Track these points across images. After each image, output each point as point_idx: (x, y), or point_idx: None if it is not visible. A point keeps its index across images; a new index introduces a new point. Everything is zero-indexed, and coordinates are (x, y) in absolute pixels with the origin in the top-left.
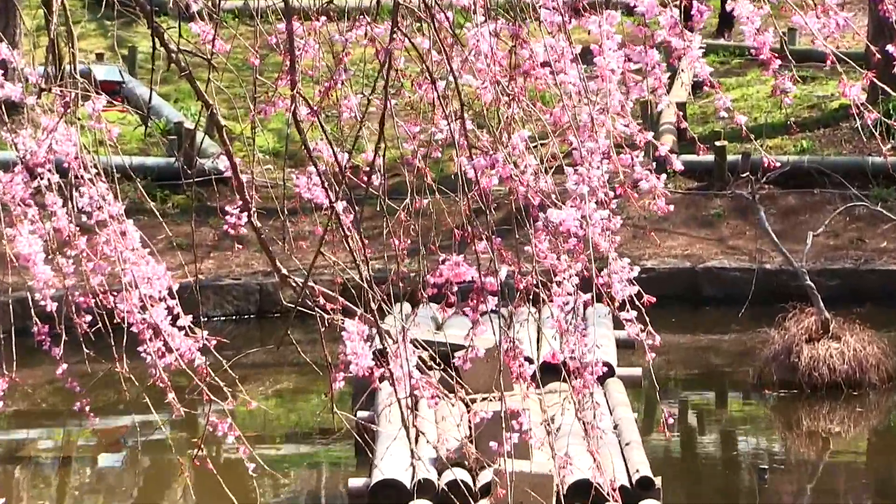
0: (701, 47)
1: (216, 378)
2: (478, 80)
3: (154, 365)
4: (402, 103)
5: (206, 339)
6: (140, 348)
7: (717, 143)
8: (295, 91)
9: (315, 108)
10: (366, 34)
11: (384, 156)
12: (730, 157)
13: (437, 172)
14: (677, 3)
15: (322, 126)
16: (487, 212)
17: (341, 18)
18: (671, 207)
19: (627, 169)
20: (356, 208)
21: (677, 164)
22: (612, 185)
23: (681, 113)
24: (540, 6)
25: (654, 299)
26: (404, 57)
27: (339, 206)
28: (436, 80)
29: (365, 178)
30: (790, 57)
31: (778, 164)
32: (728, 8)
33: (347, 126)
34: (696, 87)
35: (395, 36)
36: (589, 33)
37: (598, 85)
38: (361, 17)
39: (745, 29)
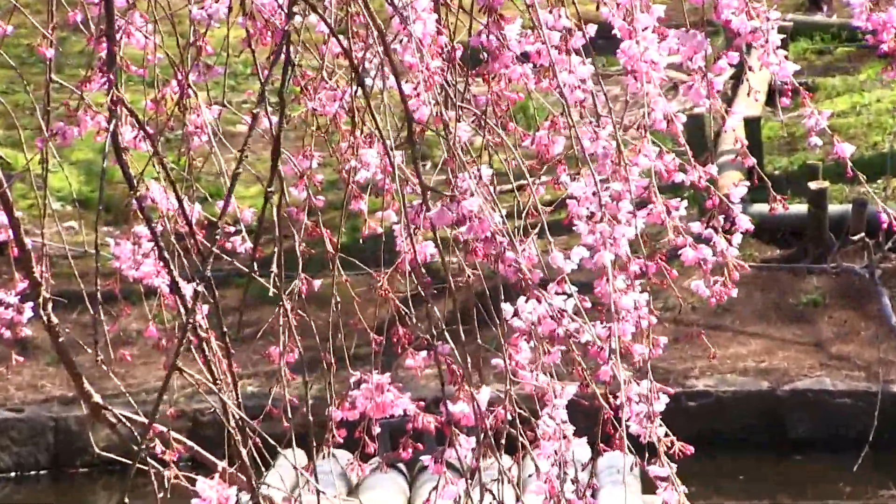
0: (782, 29)
1: None
2: (407, 80)
3: None
4: (294, 117)
5: None
6: None
7: (812, 186)
8: (112, 97)
9: (150, 128)
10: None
11: (278, 208)
12: (832, 208)
13: (349, 235)
14: None
15: (159, 156)
16: (426, 301)
17: None
18: (736, 291)
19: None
20: (215, 293)
21: (745, 219)
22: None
23: (747, 140)
24: None
25: (690, 449)
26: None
27: (188, 289)
28: (363, 81)
29: (231, 243)
30: None
31: None
32: None
33: (200, 156)
34: (775, 94)
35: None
36: (598, 6)
37: (631, 88)
38: None
39: (853, 1)
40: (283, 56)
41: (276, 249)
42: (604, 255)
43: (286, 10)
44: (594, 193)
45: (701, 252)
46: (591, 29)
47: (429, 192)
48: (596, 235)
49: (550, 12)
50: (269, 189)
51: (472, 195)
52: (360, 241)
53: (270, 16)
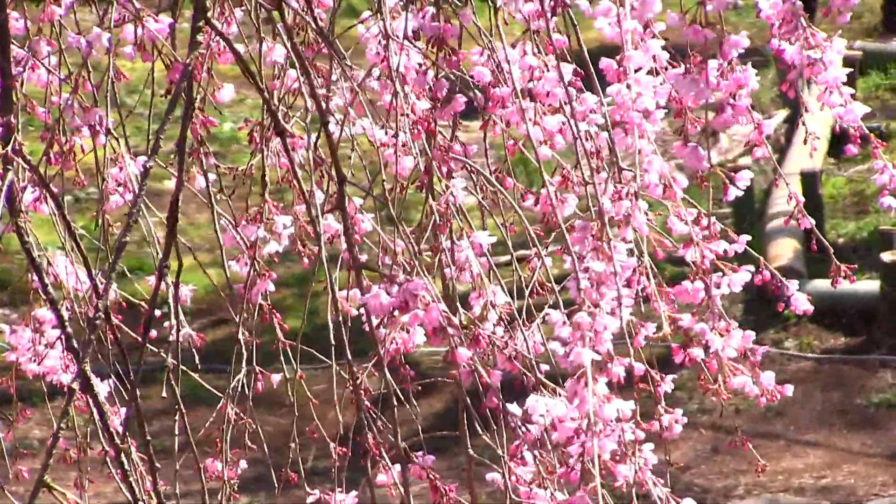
0: (848, 61)
1: None
2: (380, 124)
3: None
4: (241, 170)
5: None
6: None
7: (885, 257)
8: (9, 148)
9: (54, 186)
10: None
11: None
12: None
13: (309, 321)
14: None
15: (67, 221)
16: (403, 400)
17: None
18: (790, 389)
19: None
20: (136, 393)
21: (802, 300)
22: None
23: (795, 192)
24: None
25: None
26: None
27: (103, 388)
28: (327, 122)
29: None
30: None
31: None
32: None
33: (117, 220)
34: (840, 142)
35: (199, 34)
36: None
37: (619, 141)
38: None
39: None
40: (182, 96)
41: (214, 338)
42: (582, 354)
43: (190, 39)
44: (581, 270)
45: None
46: (567, 68)
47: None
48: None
49: (514, 46)
50: (162, 264)
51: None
52: (330, 322)
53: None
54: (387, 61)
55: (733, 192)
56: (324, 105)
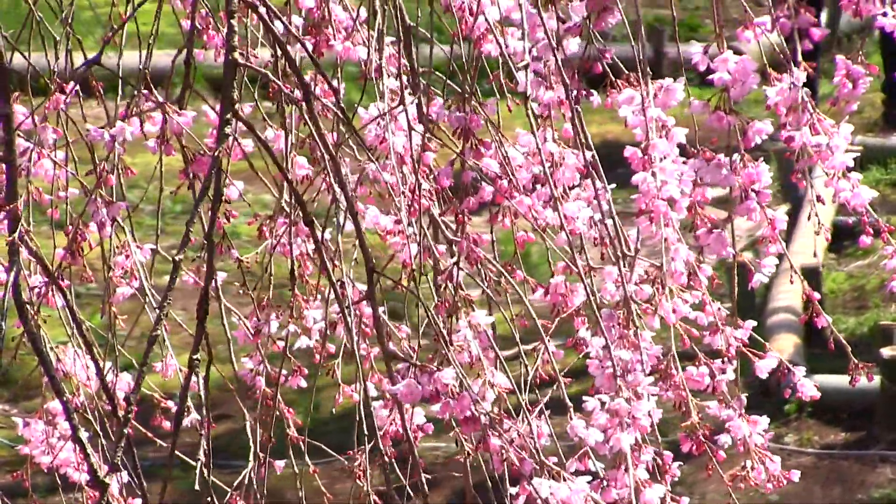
0: (852, 153)
1: None
2: (388, 211)
3: None
4: (247, 259)
5: None
6: None
7: (885, 353)
8: (15, 240)
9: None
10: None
11: (206, 375)
12: None
13: (305, 415)
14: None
15: (74, 314)
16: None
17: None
18: (797, 475)
19: (702, 403)
20: (144, 487)
21: (809, 385)
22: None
23: (810, 290)
24: (519, 68)
25: None
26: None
27: (113, 482)
28: (312, 221)
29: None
30: None
31: None
32: None
33: (124, 314)
34: (842, 233)
35: (227, 126)
36: (626, 124)
37: (643, 230)
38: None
39: None
40: (212, 188)
41: (216, 434)
42: (622, 439)
43: (217, 130)
44: (605, 360)
45: (743, 430)
46: (587, 155)
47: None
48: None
49: (534, 133)
50: (193, 357)
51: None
52: (332, 411)
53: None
54: (385, 143)
55: (758, 279)
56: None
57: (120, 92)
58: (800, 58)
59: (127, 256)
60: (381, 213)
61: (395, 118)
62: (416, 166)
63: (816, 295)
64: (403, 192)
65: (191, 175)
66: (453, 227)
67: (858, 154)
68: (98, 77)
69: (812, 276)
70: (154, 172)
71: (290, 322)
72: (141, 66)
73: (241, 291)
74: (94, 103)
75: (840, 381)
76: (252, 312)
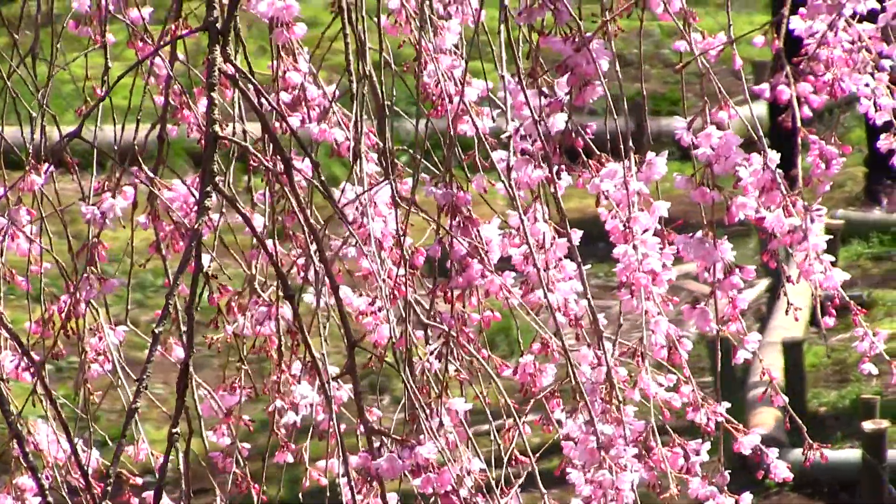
0: (830, 229)
1: None
2: (361, 293)
3: None
4: (217, 340)
5: None
6: None
7: (866, 427)
8: None
9: (35, 354)
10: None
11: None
12: (892, 454)
13: (288, 487)
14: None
15: (47, 389)
16: None
17: None
18: None
19: (682, 474)
20: None
21: (781, 467)
22: None
23: (788, 368)
24: (502, 140)
25: None
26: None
27: None
28: (292, 295)
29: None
30: None
31: None
32: (884, 145)
33: (99, 389)
34: (821, 311)
35: (207, 199)
36: (599, 200)
37: (624, 303)
38: None
39: None
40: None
41: None
42: None
43: (198, 204)
44: (589, 433)
45: None
46: (576, 235)
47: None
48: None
49: (526, 213)
50: (173, 431)
51: (430, 438)
52: (300, 495)
53: (183, 215)
54: (363, 229)
55: (742, 355)
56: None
57: (95, 167)
58: (799, 124)
59: (100, 338)
60: (355, 293)
61: (374, 202)
62: (403, 257)
63: (775, 376)
64: (384, 280)
65: (162, 248)
66: (435, 306)
67: (840, 227)
68: (75, 152)
69: (794, 350)
70: (125, 247)
71: (276, 397)
72: (135, 143)
73: (231, 365)
74: (70, 178)
75: (821, 457)
76: (219, 386)
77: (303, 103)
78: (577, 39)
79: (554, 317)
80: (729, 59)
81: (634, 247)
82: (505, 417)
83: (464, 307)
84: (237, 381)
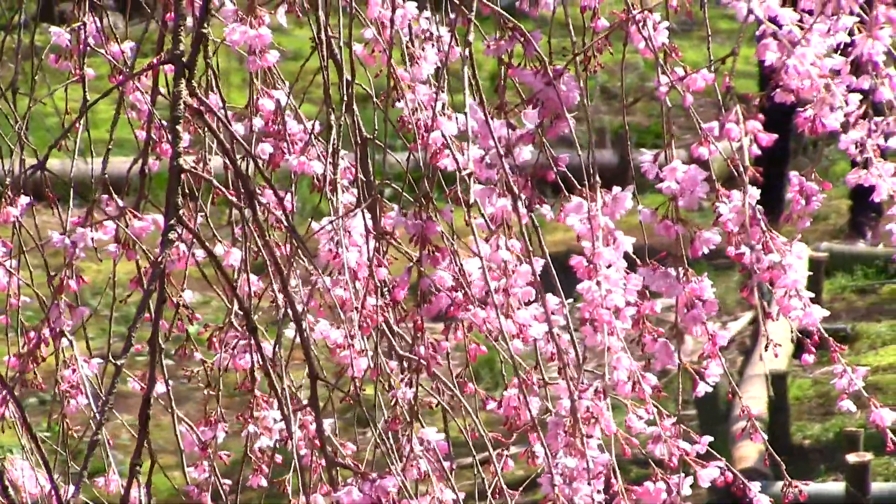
0: (813, 263)
1: None
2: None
3: None
4: (198, 373)
5: None
6: None
7: (850, 459)
8: None
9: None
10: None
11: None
12: (876, 487)
13: None
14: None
15: (27, 423)
16: None
17: None
18: None
19: None
20: None
21: (764, 501)
22: None
23: (773, 400)
24: (463, 175)
25: None
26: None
27: None
28: (255, 328)
29: None
30: None
31: None
32: (852, 180)
33: (79, 423)
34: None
35: (171, 232)
36: (578, 238)
37: (589, 338)
38: None
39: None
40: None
41: None
42: None
43: (162, 238)
44: (553, 467)
45: None
46: (538, 263)
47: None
48: None
49: (487, 241)
50: (134, 463)
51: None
52: None
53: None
54: (339, 259)
55: (702, 388)
56: (296, 305)
57: (71, 200)
58: (748, 165)
59: (73, 371)
60: (332, 326)
61: (349, 233)
62: (375, 284)
63: (753, 411)
64: (356, 308)
65: (144, 282)
66: (408, 338)
67: (825, 260)
68: (58, 185)
69: (778, 382)
70: (108, 280)
71: (249, 422)
72: (102, 172)
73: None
74: (50, 211)
75: (807, 489)
76: (200, 422)
77: (284, 136)
78: (547, 72)
79: (508, 345)
80: (713, 92)
81: (598, 283)
82: (493, 450)
83: (447, 339)
84: (214, 416)
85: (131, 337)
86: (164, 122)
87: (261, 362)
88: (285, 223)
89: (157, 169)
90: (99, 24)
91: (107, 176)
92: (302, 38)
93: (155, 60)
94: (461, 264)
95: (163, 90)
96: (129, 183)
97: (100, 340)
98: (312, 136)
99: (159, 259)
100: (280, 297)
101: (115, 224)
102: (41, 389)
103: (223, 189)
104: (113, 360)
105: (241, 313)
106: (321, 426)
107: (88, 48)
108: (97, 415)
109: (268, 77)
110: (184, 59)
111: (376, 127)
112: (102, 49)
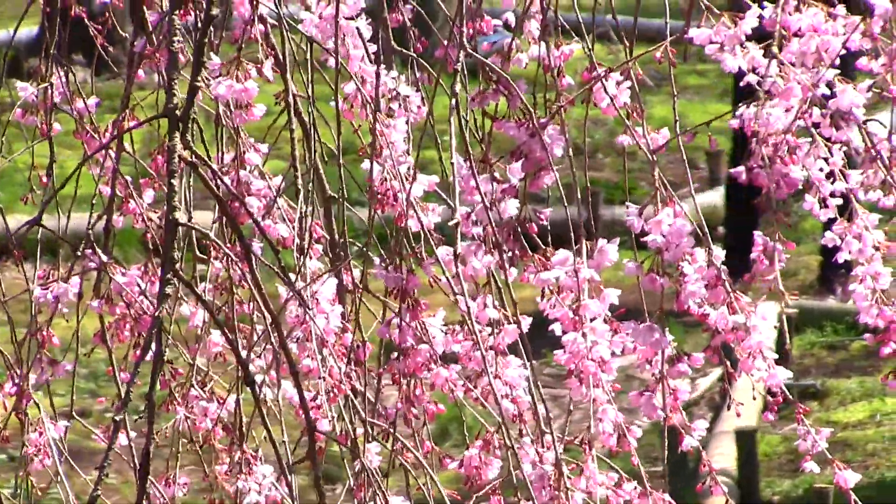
0: (782, 321)
1: None
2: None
3: None
4: (166, 428)
5: None
6: None
7: None
8: None
9: None
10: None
11: None
12: None
13: None
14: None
15: None
16: None
17: None
18: None
19: None
20: None
21: None
22: None
23: (742, 456)
24: (454, 225)
25: None
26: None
27: None
28: (253, 381)
29: None
30: None
31: None
32: (830, 241)
33: (45, 480)
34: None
35: (168, 286)
36: (544, 293)
37: (574, 391)
38: None
39: (858, 291)
40: (152, 349)
41: None
42: None
43: (158, 291)
44: None
45: None
46: (527, 322)
47: None
48: None
49: (474, 299)
50: None
51: None
52: None
53: (130, 302)
54: (306, 325)
55: (688, 443)
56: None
57: (39, 256)
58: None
59: (40, 434)
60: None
61: (318, 301)
62: (346, 352)
63: (714, 467)
64: (323, 377)
65: (107, 337)
66: (380, 398)
67: (794, 316)
68: (27, 241)
69: (747, 438)
70: (72, 337)
71: (238, 478)
72: (89, 230)
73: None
74: (15, 268)
75: None
76: (162, 476)
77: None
78: (531, 125)
79: (500, 405)
80: (678, 149)
81: (584, 334)
82: None
83: (410, 393)
84: (172, 476)
85: (129, 391)
86: (127, 182)
87: (232, 425)
88: (251, 285)
89: (122, 225)
90: (64, 80)
91: (90, 232)
92: (270, 93)
93: (132, 120)
94: (424, 323)
95: (128, 147)
96: (92, 239)
97: (66, 397)
98: (279, 195)
99: (157, 314)
100: (276, 346)
101: (78, 279)
102: (7, 442)
103: (220, 243)
104: (77, 417)
105: (205, 371)
106: (318, 478)
107: (54, 105)
108: (97, 469)
109: (232, 134)
110: (177, 113)
111: (343, 185)
112: (68, 105)
